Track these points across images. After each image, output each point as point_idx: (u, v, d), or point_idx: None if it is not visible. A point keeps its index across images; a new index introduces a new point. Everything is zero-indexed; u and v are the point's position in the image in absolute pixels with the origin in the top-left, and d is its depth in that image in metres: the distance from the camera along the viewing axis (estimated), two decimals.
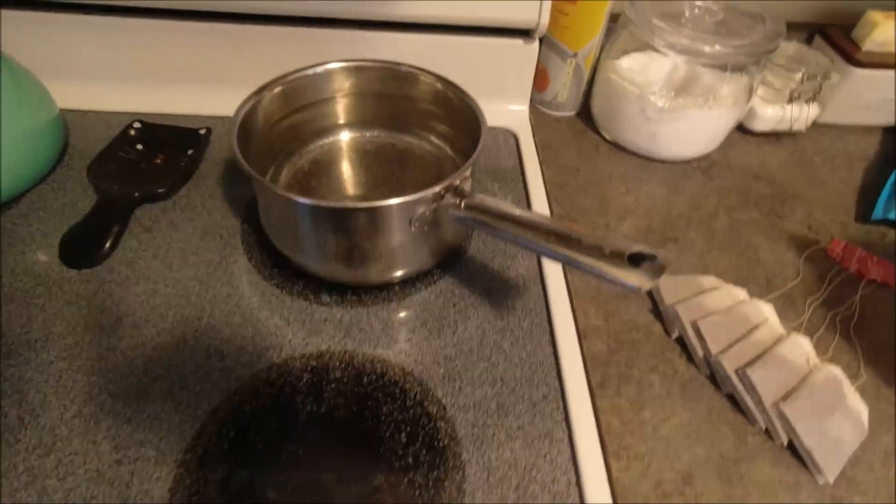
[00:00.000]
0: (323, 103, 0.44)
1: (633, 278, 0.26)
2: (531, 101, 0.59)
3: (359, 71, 0.43)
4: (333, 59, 0.43)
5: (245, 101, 0.38)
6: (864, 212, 0.52)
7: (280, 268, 0.41)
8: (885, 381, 0.39)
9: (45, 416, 0.32)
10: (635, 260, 0.26)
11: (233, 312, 0.38)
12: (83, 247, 0.41)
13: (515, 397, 0.35)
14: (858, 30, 0.58)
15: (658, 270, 0.25)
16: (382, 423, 0.33)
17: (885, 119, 0.61)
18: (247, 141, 0.37)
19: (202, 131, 0.50)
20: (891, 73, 0.57)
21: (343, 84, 0.43)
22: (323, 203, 0.33)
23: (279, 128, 0.42)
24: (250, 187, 0.47)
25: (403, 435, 0.33)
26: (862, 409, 0.36)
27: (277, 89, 0.40)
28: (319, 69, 0.42)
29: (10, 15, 0.49)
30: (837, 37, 0.59)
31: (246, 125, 0.37)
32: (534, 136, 0.56)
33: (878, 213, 0.50)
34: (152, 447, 0.31)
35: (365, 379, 0.35)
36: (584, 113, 0.60)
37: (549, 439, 0.34)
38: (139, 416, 0.33)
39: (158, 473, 0.30)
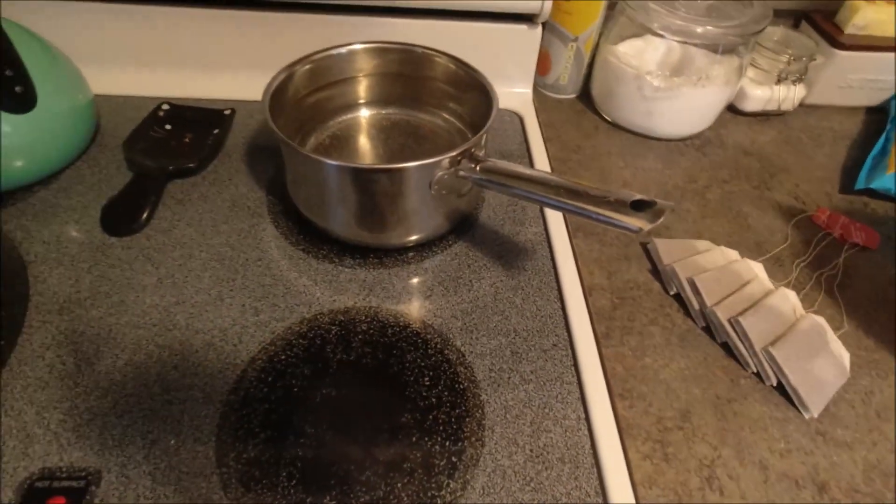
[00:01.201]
0: (346, 82, 0.47)
1: (636, 221, 0.29)
2: (534, 84, 0.62)
3: (380, 52, 0.46)
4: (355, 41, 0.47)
5: (277, 75, 0.41)
6: (847, 184, 0.56)
7: (305, 234, 0.44)
8: (865, 332, 0.42)
9: (99, 364, 0.35)
10: (637, 207, 0.30)
11: (264, 274, 0.41)
12: (122, 216, 0.43)
13: (528, 346, 0.39)
14: (841, 14, 0.62)
15: (657, 214, 0.28)
16: (407, 369, 0.36)
17: (867, 99, 0.65)
18: (277, 112, 0.40)
19: (227, 112, 0.53)
20: (871, 55, 0.60)
21: (364, 64, 0.47)
22: (350, 164, 0.37)
23: (305, 103, 0.45)
24: (274, 162, 0.50)
25: (427, 379, 0.36)
26: (844, 355, 0.40)
27: (307, 66, 0.43)
28: (343, 50, 0.45)
29: (49, 5, 0.51)
30: (822, 21, 0.63)
31: (277, 97, 0.40)
32: (537, 116, 0.59)
33: (860, 183, 0.54)
34: (198, 390, 0.34)
35: (389, 331, 0.39)
36: (585, 95, 0.64)
37: (559, 382, 0.37)
38: (185, 363, 0.36)
39: (206, 412, 0.33)
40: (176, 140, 0.49)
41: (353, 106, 0.49)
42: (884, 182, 0.53)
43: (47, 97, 0.43)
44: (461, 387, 0.36)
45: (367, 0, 0.52)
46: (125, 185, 0.45)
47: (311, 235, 0.44)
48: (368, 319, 0.39)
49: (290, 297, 0.40)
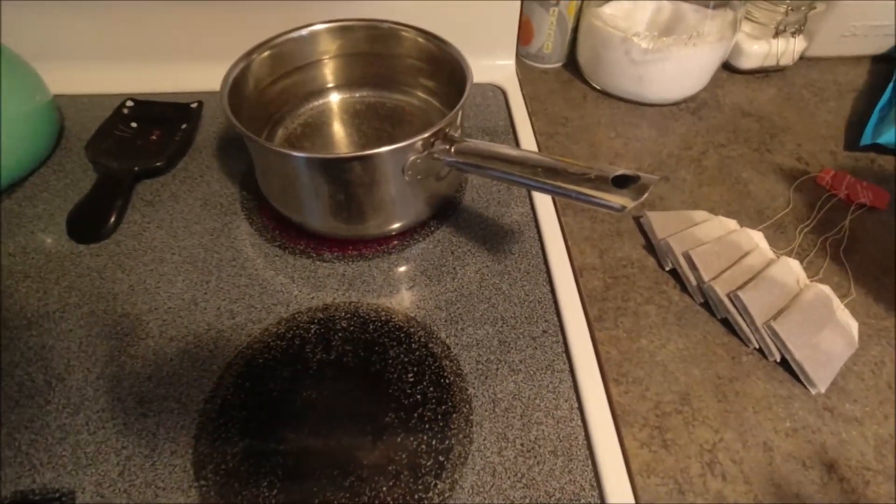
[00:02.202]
0: (311, 66, 0.44)
1: (618, 199, 0.26)
2: (517, 55, 0.59)
3: (343, 31, 0.44)
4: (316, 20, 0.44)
5: (234, 65, 0.38)
6: (852, 140, 0.53)
7: (281, 230, 0.42)
8: (874, 298, 0.40)
9: (70, 378, 0.34)
10: (620, 183, 0.27)
11: (239, 274, 0.40)
12: (89, 222, 0.42)
13: (516, 334, 0.37)
14: None
15: (641, 189, 0.26)
16: (390, 366, 0.35)
17: (873, 47, 0.61)
18: (238, 106, 0.38)
19: (194, 105, 0.50)
20: (874, 1, 0.56)
21: (329, 46, 0.44)
22: (317, 155, 0.34)
23: (269, 92, 0.43)
24: (245, 157, 0.48)
25: (410, 375, 0.34)
26: (852, 324, 0.37)
27: (265, 53, 0.40)
28: (304, 31, 0.42)
29: None
30: None
31: (236, 90, 0.38)
32: (522, 89, 0.56)
33: (866, 139, 0.51)
34: (174, 401, 0.33)
35: (370, 326, 0.37)
36: (571, 64, 0.61)
37: (550, 370, 0.35)
38: (159, 373, 0.34)
39: (182, 423, 0.32)
40: (142, 138, 0.47)
41: (322, 91, 0.47)
42: (891, 136, 0.49)
43: (2, 101, 0.41)
44: (447, 381, 0.34)
45: None
46: (90, 190, 0.44)
47: (287, 230, 0.42)
48: (349, 316, 0.37)
49: (267, 296, 0.38)
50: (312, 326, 0.37)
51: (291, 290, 0.39)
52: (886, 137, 0.50)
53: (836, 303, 0.38)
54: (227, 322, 0.37)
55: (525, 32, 0.58)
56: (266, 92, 0.42)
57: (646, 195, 0.26)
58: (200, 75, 0.52)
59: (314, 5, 0.51)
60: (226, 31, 0.52)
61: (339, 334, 0.36)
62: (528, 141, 0.51)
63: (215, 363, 0.35)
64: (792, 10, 0.55)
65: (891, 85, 0.54)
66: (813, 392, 0.35)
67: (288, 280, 0.39)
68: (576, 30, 0.58)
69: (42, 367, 0.34)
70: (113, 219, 0.42)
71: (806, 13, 0.56)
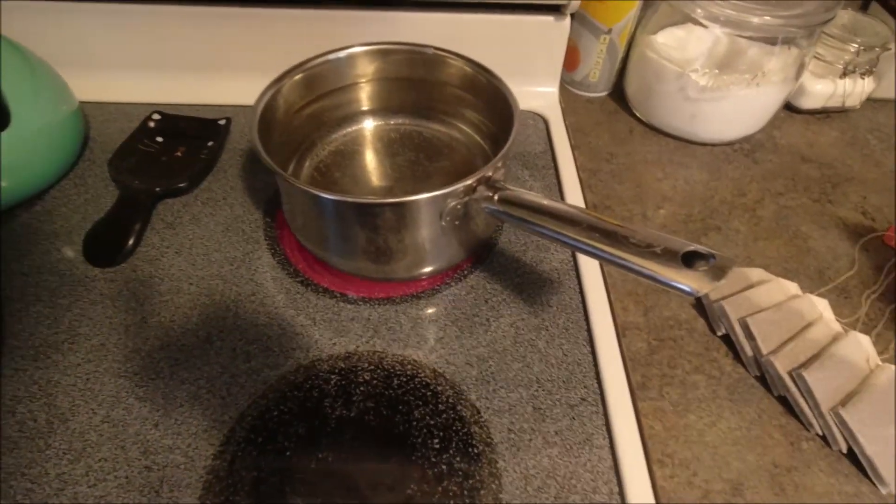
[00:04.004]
0: (346, 90, 0.42)
1: (691, 281, 0.23)
2: (561, 81, 0.56)
3: (382, 55, 0.41)
4: (356, 41, 0.41)
5: (265, 91, 0.36)
6: None
7: (304, 264, 0.40)
8: None
9: (74, 420, 0.32)
10: (689, 260, 0.24)
11: (258, 311, 0.37)
12: (106, 244, 0.40)
13: (552, 400, 0.34)
14: None
15: (718, 272, 0.23)
16: (414, 428, 0.32)
17: None
18: (268, 132, 0.35)
19: (222, 122, 0.48)
20: None
21: (366, 69, 0.41)
22: (348, 198, 0.32)
23: (301, 116, 0.40)
24: (272, 178, 0.45)
25: (436, 441, 0.31)
26: None
27: (298, 76, 0.38)
28: (341, 54, 0.40)
29: (25, 6, 0.47)
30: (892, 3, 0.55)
31: (266, 115, 0.35)
32: (564, 119, 0.53)
33: None
34: (181, 453, 0.31)
35: (395, 381, 0.34)
36: (617, 93, 0.57)
37: (588, 445, 0.32)
38: (167, 420, 0.32)
39: (188, 480, 0.30)
40: (167, 155, 0.45)
41: (356, 116, 0.44)
42: None
43: (26, 111, 0.40)
44: (475, 451, 0.31)
45: None
46: (110, 209, 0.42)
47: (311, 264, 0.40)
48: (372, 367, 0.35)
49: (286, 339, 0.36)
50: (333, 377, 0.34)
51: (312, 333, 0.36)
52: None
53: None
54: (242, 366, 0.34)
55: (572, 58, 0.55)
56: (297, 116, 0.40)
57: (724, 280, 0.23)
58: (230, 89, 0.50)
59: (348, 19, 0.49)
60: (258, 43, 0.50)
61: (361, 388, 0.34)
62: (570, 178, 0.47)
63: (227, 412, 0.32)
64: (864, 49, 0.51)
65: None
66: (884, 492, 0.31)
67: (309, 322, 0.37)
68: (626, 59, 0.54)
69: (46, 404, 0.32)
70: (131, 241, 0.40)
71: (879, 54, 0.51)
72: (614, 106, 0.56)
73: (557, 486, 0.30)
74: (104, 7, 0.48)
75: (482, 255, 0.41)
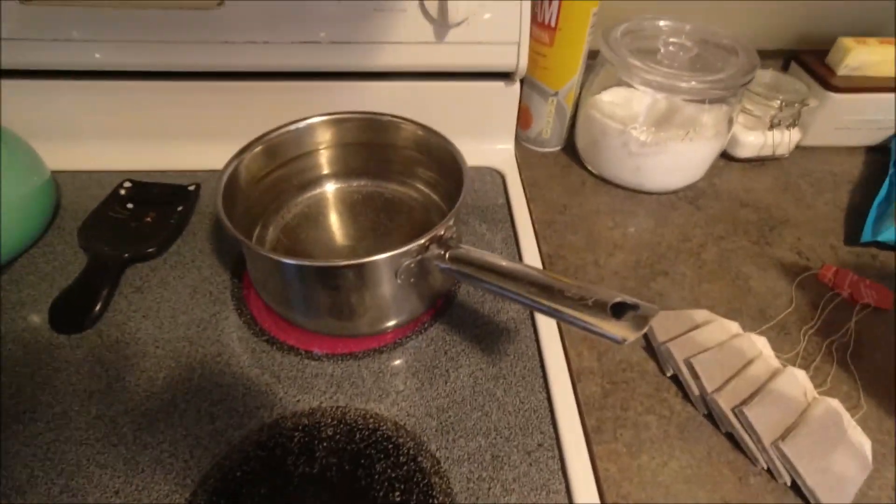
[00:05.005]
0: (306, 156, 0.44)
1: (618, 330, 0.25)
2: (516, 138, 0.60)
3: (340, 123, 0.44)
4: (318, 110, 0.44)
5: (228, 164, 0.38)
6: (852, 234, 0.52)
7: (270, 323, 0.41)
8: (885, 411, 0.38)
9: (31, 492, 0.32)
10: (619, 310, 0.26)
11: (223, 372, 0.38)
12: (73, 311, 0.41)
13: (510, 447, 0.35)
14: (832, 55, 0.59)
15: (642, 321, 0.25)
16: (376, 482, 0.33)
17: (866, 139, 0.62)
18: (233, 201, 0.37)
19: (191, 187, 0.50)
20: (868, 96, 0.57)
21: (324, 136, 0.44)
22: (308, 262, 0.34)
23: (264, 184, 0.42)
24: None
25: (398, 493, 0.32)
26: (864, 443, 0.35)
27: (259, 148, 0.41)
28: (301, 124, 0.43)
29: None
30: (813, 63, 0.61)
31: (231, 186, 0.38)
32: (520, 173, 0.57)
33: (866, 235, 0.50)
34: None
35: (357, 435, 0.35)
36: (570, 147, 0.61)
37: (546, 490, 0.33)
38: (128, 487, 0.32)
39: None
40: (137, 220, 0.47)
41: (317, 180, 0.47)
42: (892, 234, 0.49)
43: None
44: (435, 502, 0.32)
45: (333, 67, 0.50)
46: (78, 276, 0.43)
47: (276, 323, 0.41)
48: (335, 422, 0.36)
49: (251, 398, 0.37)
50: (296, 434, 0.35)
51: (277, 391, 0.37)
52: (887, 235, 0.49)
53: (847, 419, 0.36)
54: (206, 427, 0.35)
55: (524, 118, 0.59)
56: (261, 183, 0.42)
57: (646, 328, 0.25)
58: (200, 154, 0.53)
59: (312, 89, 0.52)
60: (225, 112, 0.53)
61: (324, 444, 0.34)
62: (525, 229, 0.50)
63: (190, 475, 0.33)
64: (786, 105, 0.56)
65: (887, 180, 0.54)
66: None
67: (274, 380, 0.38)
68: (574, 116, 0.58)
69: (4, 475, 0.32)
70: (98, 307, 0.41)
71: (799, 109, 0.56)
72: (567, 160, 0.60)
73: None
74: (76, 83, 0.51)
75: (442, 307, 0.43)
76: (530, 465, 0.34)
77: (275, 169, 0.43)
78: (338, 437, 0.35)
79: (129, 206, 0.48)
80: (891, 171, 0.56)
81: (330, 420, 0.36)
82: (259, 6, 0.46)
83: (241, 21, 0.47)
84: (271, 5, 0.46)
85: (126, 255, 0.44)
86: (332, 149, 0.45)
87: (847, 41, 0.57)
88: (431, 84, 0.53)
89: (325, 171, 0.47)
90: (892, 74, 0.57)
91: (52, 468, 0.33)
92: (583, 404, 0.37)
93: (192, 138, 0.54)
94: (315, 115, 0.43)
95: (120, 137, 0.54)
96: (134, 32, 0.47)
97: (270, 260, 0.34)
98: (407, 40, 0.49)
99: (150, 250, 0.45)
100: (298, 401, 0.37)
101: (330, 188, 0.47)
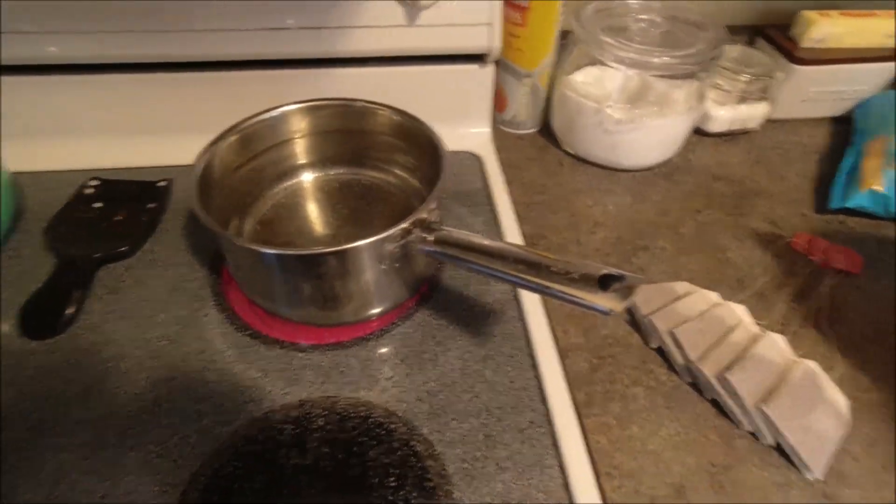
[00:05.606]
0: (282, 146, 0.43)
1: (605, 301, 0.26)
2: (493, 121, 0.59)
3: (314, 110, 0.43)
4: (290, 99, 0.43)
5: (201, 155, 0.37)
6: (821, 202, 0.54)
7: (253, 317, 0.40)
8: (860, 370, 0.40)
9: (16, 500, 0.31)
10: (605, 282, 0.27)
11: (207, 369, 0.37)
12: (44, 315, 0.39)
13: (502, 426, 0.35)
14: (796, 29, 0.60)
15: (627, 291, 0.25)
16: (370, 469, 0.33)
17: (832, 110, 0.63)
18: (208, 193, 0.36)
19: (162, 183, 0.49)
20: (831, 67, 0.59)
21: (300, 125, 0.43)
22: (289, 251, 0.33)
23: (240, 175, 0.41)
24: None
25: (392, 479, 0.32)
26: (842, 401, 0.37)
27: (233, 138, 0.40)
28: (275, 113, 0.42)
29: None
30: (777, 37, 0.62)
31: (205, 177, 0.37)
32: (498, 156, 0.57)
33: (834, 202, 0.52)
34: None
35: (349, 424, 0.35)
36: (546, 129, 0.61)
37: (539, 466, 0.33)
38: (115, 490, 0.31)
39: None
40: (106, 220, 0.45)
41: (294, 170, 0.46)
42: (858, 200, 0.51)
43: None
44: (431, 485, 0.32)
45: (305, 54, 0.49)
46: (47, 279, 0.41)
47: (260, 317, 0.40)
48: (326, 412, 0.35)
49: (237, 394, 0.36)
50: (287, 426, 0.34)
51: (264, 385, 0.36)
52: (854, 201, 0.51)
53: (825, 379, 0.37)
54: (192, 426, 0.34)
55: (499, 100, 0.59)
56: (236, 174, 0.41)
57: (633, 297, 0.25)
58: (170, 149, 0.51)
59: (283, 78, 0.51)
60: (194, 104, 0.51)
61: (316, 434, 0.34)
62: (506, 211, 0.50)
63: (179, 475, 0.32)
64: (754, 78, 0.57)
65: (852, 149, 0.56)
66: (810, 478, 0.34)
67: (260, 374, 0.37)
68: (549, 97, 0.58)
69: None
70: (71, 310, 0.39)
71: (766, 82, 0.58)
72: (544, 141, 0.60)
73: None
74: (31, 78, 0.48)
75: (427, 292, 0.42)
76: (523, 442, 0.34)
77: (249, 160, 0.42)
78: (329, 426, 0.35)
79: (97, 205, 0.47)
80: (854, 139, 0.58)
81: (320, 411, 0.35)
82: None
83: (205, 8, 0.45)
84: None
85: (97, 255, 0.43)
86: (307, 137, 0.44)
87: (810, 14, 0.58)
88: (405, 69, 0.53)
89: (302, 160, 0.46)
90: (854, 45, 0.59)
91: (34, 475, 0.32)
92: (571, 380, 0.38)
93: (159, 133, 0.53)
94: (288, 102, 0.42)
95: (83, 134, 0.52)
96: (91, 22, 0.45)
97: (251, 251, 0.34)
98: (378, 24, 0.48)
99: (122, 249, 0.43)
100: (287, 393, 0.36)
101: (307, 177, 0.46)
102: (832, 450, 0.34)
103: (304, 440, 0.34)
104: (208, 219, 0.33)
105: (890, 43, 0.59)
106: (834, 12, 0.59)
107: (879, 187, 0.50)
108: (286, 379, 0.37)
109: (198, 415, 0.35)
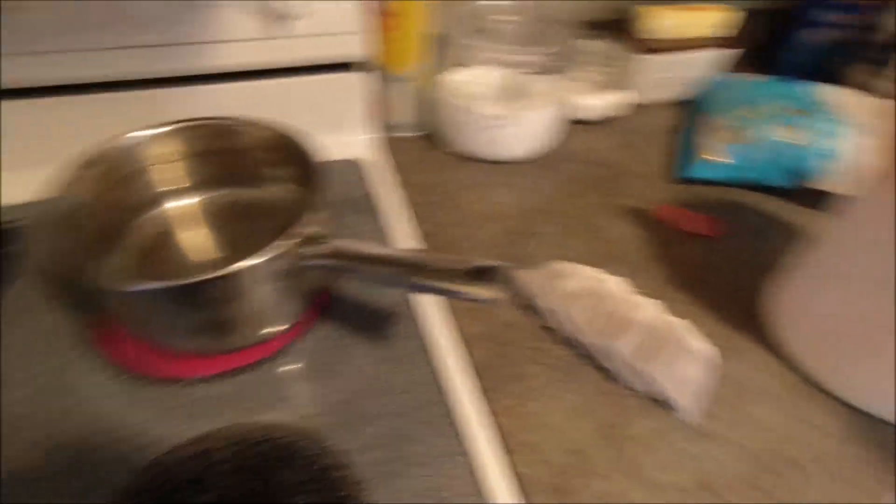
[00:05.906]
0: (145, 171, 0.41)
1: (485, 291, 0.27)
2: (383, 126, 0.60)
3: (179, 133, 0.41)
4: (155, 120, 0.41)
5: (49, 193, 0.34)
6: (676, 176, 0.60)
7: (141, 356, 0.38)
8: (724, 321, 0.45)
9: None
10: (481, 274, 0.28)
11: (89, 422, 0.34)
12: None
13: (412, 424, 0.36)
14: (641, 22, 0.67)
15: (504, 278, 0.27)
16: (278, 492, 0.32)
17: (675, 94, 0.71)
18: (63, 233, 0.33)
19: (6, 226, 0.44)
20: (669, 56, 0.66)
21: (163, 149, 0.41)
22: (167, 284, 0.31)
23: (100, 207, 0.38)
24: None
25: (302, 496, 0.32)
26: (710, 351, 0.41)
27: (85, 170, 0.36)
28: (135, 136, 0.39)
29: None
30: (628, 30, 0.68)
31: (60, 220, 0.34)
32: (392, 160, 0.57)
33: (678, 173, 0.58)
34: None
35: (255, 450, 0.33)
36: (430, 129, 0.63)
37: (451, 454, 0.34)
38: None
39: None
40: None
41: (165, 196, 0.43)
42: (697, 170, 0.57)
43: None
44: (345, 494, 0.32)
45: (170, 71, 0.47)
46: None
47: (148, 355, 0.38)
48: (229, 443, 0.34)
49: (126, 442, 0.34)
50: (188, 464, 0.33)
51: (156, 428, 0.34)
52: (695, 171, 0.57)
53: (695, 333, 0.42)
54: (75, 485, 0.32)
55: (380, 105, 0.59)
56: (96, 208, 0.38)
57: (509, 285, 0.27)
58: (14, 186, 0.46)
59: (141, 97, 0.48)
60: (38, 133, 0.47)
61: (218, 467, 0.33)
62: (396, 214, 0.51)
63: None
64: (612, 68, 0.62)
65: (688, 126, 0.63)
66: (690, 419, 0.38)
67: (153, 416, 0.35)
68: (429, 99, 0.60)
69: None
70: None
71: (624, 70, 0.63)
72: (429, 143, 0.62)
73: (432, 501, 0.32)
74: None
75: (327, 302, 0.42)
76: (434, 435, 0.35)
77: (108, 189, 0.39)
78: (232, 457, 0.33)
79: None
80: (693, 118, 0.65)
81: (223, 442, 0.34)
82: (63, 6, 0.41)
83: (39, 25, 0.41)
84: (77, 5, 0.41)
85: None
86: (176, 162, 0.42)
87: (651, 8, 0.65)
88: (279, 81, 0.52)
89: (173, 185, 0.43)
90: (694, 35, 0.66)
91: None
92: (478, 368, 0.39)
93: (5, 169, 0.48)
94: (151, 126, 0.40)
95: None
96: None
97: (122, 292, 0.31)
98: (244, 37, 0.47)
99: None
100: (185, 430, 0.34)
101: (182, 203, 0.44)
102: (705, 394, 0.39)
103: (204, 476, 0.32)
104: (60, 266, 0.30)
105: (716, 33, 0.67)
106: (678, 6, 0.66)
107: (711, 157, 0.56)
108: (183, 416, 0.35)
109: (86, 476, 0.32)
